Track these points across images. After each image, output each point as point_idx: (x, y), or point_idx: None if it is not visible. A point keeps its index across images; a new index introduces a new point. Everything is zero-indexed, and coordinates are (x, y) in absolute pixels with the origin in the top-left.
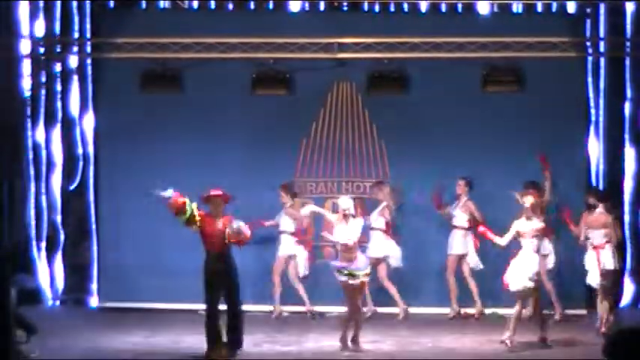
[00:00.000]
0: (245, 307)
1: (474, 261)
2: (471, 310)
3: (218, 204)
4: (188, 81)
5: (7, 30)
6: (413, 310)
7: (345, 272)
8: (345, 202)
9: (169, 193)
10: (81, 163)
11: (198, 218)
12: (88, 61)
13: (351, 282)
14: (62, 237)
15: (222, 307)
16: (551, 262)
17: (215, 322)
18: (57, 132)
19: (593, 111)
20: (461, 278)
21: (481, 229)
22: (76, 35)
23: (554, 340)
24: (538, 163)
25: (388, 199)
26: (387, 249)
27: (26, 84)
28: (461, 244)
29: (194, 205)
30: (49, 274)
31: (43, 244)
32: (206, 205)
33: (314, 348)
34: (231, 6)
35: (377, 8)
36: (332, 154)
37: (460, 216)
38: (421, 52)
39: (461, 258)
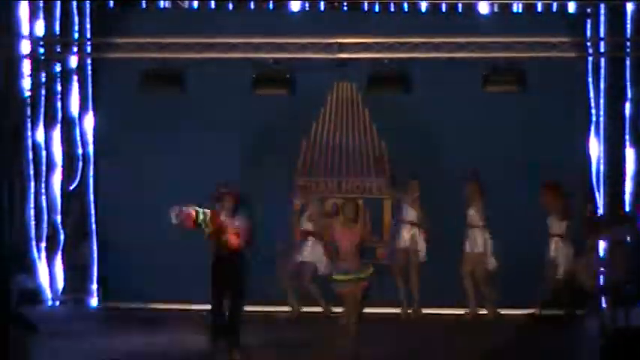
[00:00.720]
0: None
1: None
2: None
3: (228, 202)
4: (188, 81)
5: (7, 30)
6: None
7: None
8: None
9: (174, 218)
10: (81, 164)
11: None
12: (88, 61)
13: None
14: (62, 237)
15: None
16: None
17: (223, 322)
18: (57, 132)
19: (593, 111)
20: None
21: None
22: (76, 35)
23: (555, 339)
24: (538, 162)
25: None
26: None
27: (26, 84)
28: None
29: (204, 211)
30: (49, 275)
31: (43, 245)
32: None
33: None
34: (231, 6)
35: (377, 8)
36: (332, 154)
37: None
38: (421, 52)
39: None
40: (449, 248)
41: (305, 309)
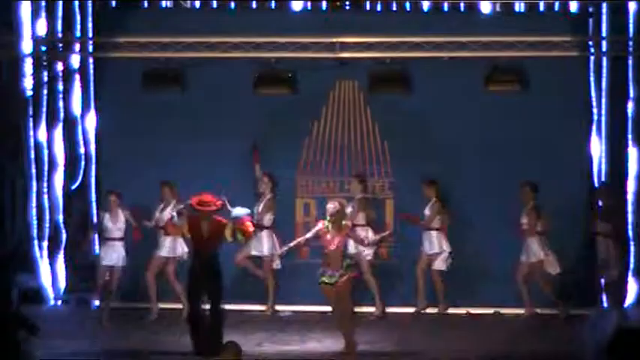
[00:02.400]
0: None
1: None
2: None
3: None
4: (190, 80)
5: (9, 29)
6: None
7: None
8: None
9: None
10: (83, 163)
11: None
12: (90, 60)
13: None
14: (64, 237)
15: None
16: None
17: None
18: (59, 131)
19: (595, 110)
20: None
21: None
22: (78, 34)
23: (557, 338)
24: (540, 162)
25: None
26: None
27: (28, 83)
28: None
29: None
30: (50, 274)
31: (45, 244)
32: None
33: (316, 348)
34: (233, 5)
35: (379, 7)
36: (334, 154)
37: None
38: (423, 51)
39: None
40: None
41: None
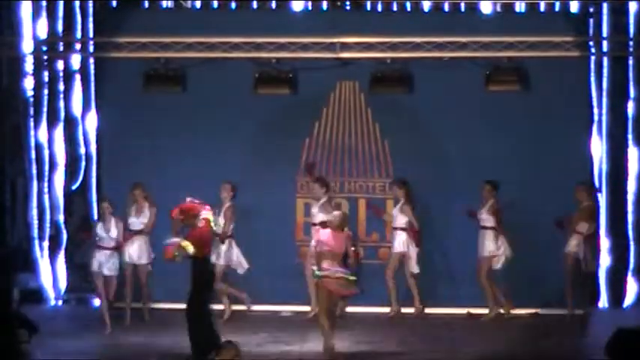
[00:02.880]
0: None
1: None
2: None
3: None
4: (191, 80)
5: (9, 29)
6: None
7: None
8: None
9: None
10: (83, 163)
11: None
12: (91, 60)
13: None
14: (64, 237)
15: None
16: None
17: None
18: (59, 131)
19: (596, 110)
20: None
21: None
22: (79, 34)
23: (557, 339)
24: (541, 161)
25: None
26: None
27: (29, 83)
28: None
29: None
30: (51, 274)
31: (46, 244)
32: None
33: (315, 348)
34: (233, 5)
35: (379, 7)
36: (334, 154)
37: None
38: (424, 51)
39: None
40: (450, 248)
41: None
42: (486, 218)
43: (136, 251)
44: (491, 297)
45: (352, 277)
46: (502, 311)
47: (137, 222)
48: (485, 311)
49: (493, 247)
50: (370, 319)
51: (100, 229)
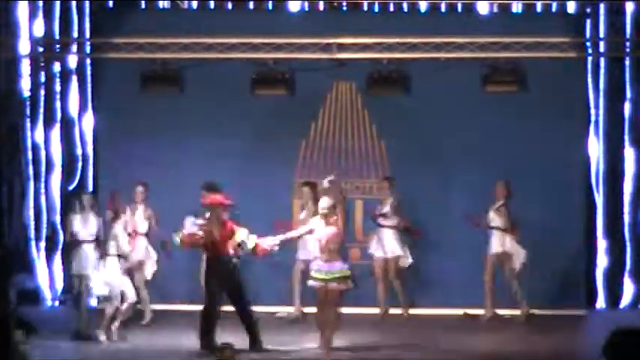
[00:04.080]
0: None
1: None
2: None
3: (218, 211)
4: (188, 81)
5: (6, 30)
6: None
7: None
8: (324, 202)
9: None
10: (80, 164)
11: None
12: (88, 61)
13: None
14: (61, 237)
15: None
16: (517, 261)
17: (214, 322)
18: (56, 132)
19: (593, 111)
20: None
21: None
22: (76, 35)
23: (554, 340)
24: (538, 162)
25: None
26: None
27: (25, 84)
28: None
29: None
30: (48, 275)
31: (43, 245)
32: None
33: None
34: (230, 6)
35: (376, 8)
36: (331, 155)
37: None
38: (421, 52)
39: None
40: (447, 248)
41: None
42: (492, 217)
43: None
44: (489, 297)
45: (348, 273)
46: (499, 312)
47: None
48: (482, 312)
49: (499, 247)
50: (365, 319)
51: (78, 223)
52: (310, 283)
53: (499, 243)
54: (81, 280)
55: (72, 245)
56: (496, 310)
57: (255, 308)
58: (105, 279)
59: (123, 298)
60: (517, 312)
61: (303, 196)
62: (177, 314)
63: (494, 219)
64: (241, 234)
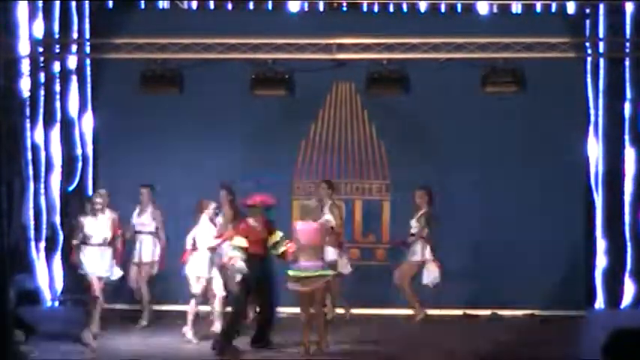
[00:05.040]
0: None
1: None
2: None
3: (257, 210)
4: (187, 81)
5: (5, 30)
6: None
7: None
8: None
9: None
10: (80, 164)
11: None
12: (87, 61)
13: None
14: (61, 238)
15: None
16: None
17: (241, 323)
18: (56, 132)
19: (592, 112)
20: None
21: None
22: (75, 35)
23: (554, 340)
24: (537, 163)
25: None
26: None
27: (25, 84)
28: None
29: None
30: (48, 275)
31: (42, 245)
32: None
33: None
34: (230, 6)
35: (376, 9)
36: (331, 155)
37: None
38: (420, 52)
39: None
40: (446, 249)
41: None
42: (414, 226)
43: (141, 251)
44: (413, 300)
45: (328, 272)
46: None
47: (139, 222)
48: (481, 312)
49: (420, 255)
50: (366, 320)
51: (90, 225)
52: (290, 286)
53: (420, 252)
54: (92, 280)
55: (82, 246)
56: (426, 310)
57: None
58: (196, 274)
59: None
60: (517, 312)
61: (319, 193)
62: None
63: (416, 228)
64: (278, 236)
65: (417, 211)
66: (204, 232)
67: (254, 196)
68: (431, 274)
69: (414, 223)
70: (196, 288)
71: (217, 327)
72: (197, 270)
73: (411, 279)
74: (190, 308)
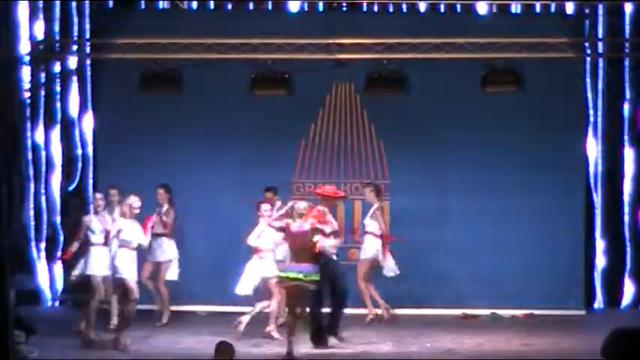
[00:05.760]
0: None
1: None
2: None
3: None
4: (187, 82)
5: (6, 30)
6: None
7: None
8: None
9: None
10: (80, 164)
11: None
12: (87, 61)
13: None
14: (61, 238)
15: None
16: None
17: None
18: (56, 133)
19: (591, 112)
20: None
21: None
22: (76, 36)
23: (553, 340)
24: (537, 163)
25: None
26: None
27: (25, 85)
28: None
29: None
30: (48, 275)
31: (43, 245)
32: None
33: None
34: (230, 6)
35: (376, 9)
36: (330, 155)
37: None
38: (420, 52)
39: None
40: (446, 249)
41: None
42: (368, 223)
43: (157, 250)
44: (367, 299)
45: (313, 277)
46: (380, 312)
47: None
48: (481, 312)
49: (373, 252)
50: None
51: (95, 224)
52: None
53: (373, 248)
54: (97, 281)
55: (87, 246)
56: (377, 311)
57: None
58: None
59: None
60: (517, 312)
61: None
62: (178, 314)
63: (370, 224)
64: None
65: (370, 208)
66: (266, 232)
67: (325, 187)
68: (389, 266)
69: (367, 220)
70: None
71: (272, 327)
72: (261, 271)
73: (367, 277)
74: (256, 308)
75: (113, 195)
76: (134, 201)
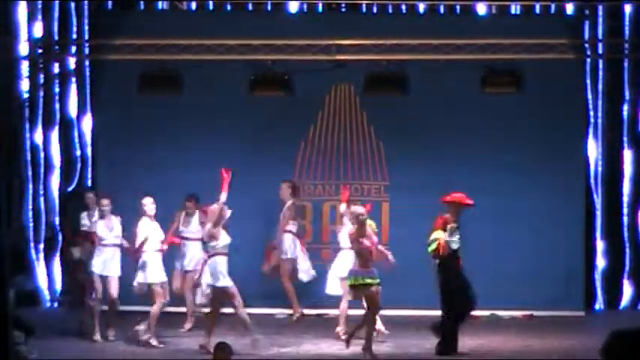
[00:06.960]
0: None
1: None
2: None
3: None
4: (186, 82)
5: (5, 31)
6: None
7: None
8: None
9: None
10: (79, 165)
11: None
12: (87, 62)
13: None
14: (60, 238)
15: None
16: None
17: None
18: (55, 133)
19: (591, 113)
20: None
21: None
22: (74, 37)
23: (553, 341)
24: (536, 164)
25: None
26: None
27: (24, 85)
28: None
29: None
30: (47, 276)
31: (42, 246)
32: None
33: (311, 349)
34: (229, 7)
35: (375, 10)
36: (330, 156)
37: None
38: (419, 53)
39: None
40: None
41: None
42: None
43: (186, 258)
44: (293, 298)
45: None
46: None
47: (185, 230)
48: (481, 313)
49: (292, 251)
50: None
51: (102, 227)
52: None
53: (289, 248)
54: (106, 282)
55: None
56: (303, 310)
57: (255, 310)
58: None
59: None
60: (516, 313)
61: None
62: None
63: (289, 225)
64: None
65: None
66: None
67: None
68: (304, 270)
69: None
70: (339, 289)
71: (342, 328)
72: (340, 271)
73: (289, 276)
74: (342, 309)
75: (105, 205)
76: (149, 202)
